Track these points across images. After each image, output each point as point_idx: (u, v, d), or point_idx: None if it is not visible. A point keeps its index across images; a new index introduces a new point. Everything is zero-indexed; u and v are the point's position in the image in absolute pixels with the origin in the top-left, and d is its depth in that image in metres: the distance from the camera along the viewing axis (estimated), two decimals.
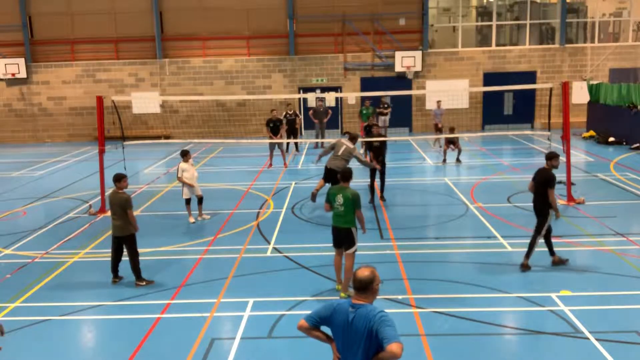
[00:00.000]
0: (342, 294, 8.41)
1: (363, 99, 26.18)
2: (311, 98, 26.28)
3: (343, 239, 8.45)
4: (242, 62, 27.13)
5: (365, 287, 4.39)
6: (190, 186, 12.63)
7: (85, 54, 27.44)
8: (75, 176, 18.59)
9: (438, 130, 21.83)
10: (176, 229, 12.41)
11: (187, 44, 27.17)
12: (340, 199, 8.36)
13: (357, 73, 27.07)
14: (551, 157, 9.76)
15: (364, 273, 4.41)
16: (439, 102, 22.52)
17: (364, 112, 21.94)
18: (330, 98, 26.01)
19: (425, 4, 26.66)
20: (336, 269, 8.72)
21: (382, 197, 14.06)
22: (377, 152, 13.98)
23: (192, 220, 12.79)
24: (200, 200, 12.89)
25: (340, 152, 12.84)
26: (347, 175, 8.58)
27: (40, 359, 7.11)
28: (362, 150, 20.98)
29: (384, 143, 14.16)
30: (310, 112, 23.05)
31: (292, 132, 20.69)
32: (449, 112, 23.15)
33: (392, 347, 4.08)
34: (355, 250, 8.51)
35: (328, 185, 12.68)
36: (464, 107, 26.48)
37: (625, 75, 25.95)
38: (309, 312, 4.69)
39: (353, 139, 13.12)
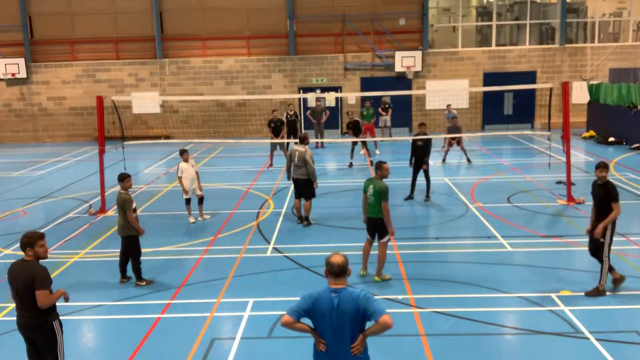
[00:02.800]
0: (377, 278, 9.06)
1: (363, 99, 26.24)
2: (311, 98, 26.28)
3: (376, 228, 9.03)
4: (242, 62, 27.14)
5: (344, 272, 4.65)
6: (184, 191, 12.62)
7: (85, 54, 27.44)
8: (75, 176, 18.60)
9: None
10: (176, 229, 12.41)
11: (187, 44, 27.17)
12: (371, 189, 8.97)
13: (357, 73, 27.07)
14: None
15: (340, 259, 4.65)
16: (448, 105, 21.84)
17: (365, 113, 21.88)
18: (330, 98, 26.01)
19: (425, 4, 26.65)
20: (364, 256, 9.27)
21: (427, 197, 14.25)
22: (421, 152, 14.03)
23: (192, 220, 12.80)
24: (200, 200, 12.89)
25: (296, 160, 12.13)
26: (378, 165, 9.12)
27: None
28: (363, 151, 21.12)
29: (427, 143, 14.09)
30: (308, 112, 23.01)
31: (293, 133, 20.69)
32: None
33: (385, 318, 4.46)
34: (388, 240, 9.08)
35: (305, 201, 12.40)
36: (464, 107, 26.48)
37: (625, 75, 25.92)
38: None
39: (302, 141, 12.45)
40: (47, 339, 5.67)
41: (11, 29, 27.28)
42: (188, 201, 12.82)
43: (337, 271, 4.63)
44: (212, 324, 7.84)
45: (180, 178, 12.61)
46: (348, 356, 4.63)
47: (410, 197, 14.33)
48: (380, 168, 9.01)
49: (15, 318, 5.80)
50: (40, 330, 5.63)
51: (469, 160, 18.73)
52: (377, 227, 9.00)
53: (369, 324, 4.67)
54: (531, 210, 12.98)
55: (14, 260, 5.85)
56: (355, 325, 4.59)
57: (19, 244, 5.65)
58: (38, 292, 5.46)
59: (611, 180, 8.53)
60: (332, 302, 4.58)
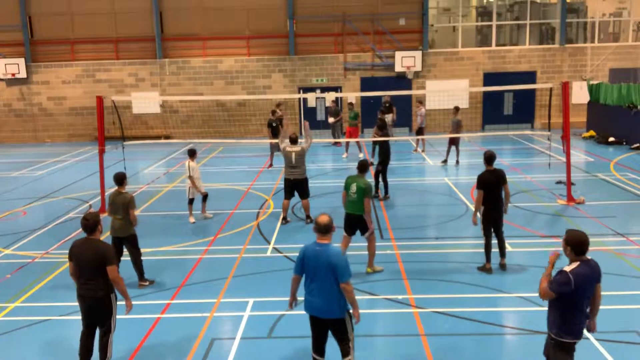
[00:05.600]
0: (369, 270, 9.36)
1: (363, 99, 26.24)
2: (311, 98, 26.29)
3: (356, 225, 9.20)
4: (242, 62, 27.14)
5: (327, 230, 5.79)
6: (197, 190, 12.60)
7: (85, 54, 27.44)
8: (75, 176, 18.60)
9: (417, 132, 20.92)
10: (176, 229, 12.41)
11: (187, 44, 27.17)
12: (354, 187, 9.09)
13: (357, 73, 27.07)
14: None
15: (325, 219, 5.81)
16: (419, 102, 21.64)
17: (349, 115, 21.49)
18: (330, 98, 26.00)
19: (425, 4, 26.65)
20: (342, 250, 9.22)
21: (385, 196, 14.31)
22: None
23: (192, 220, 12.79)
24: (204, 197, 12.88)
25: (294, 161, 12.09)
26: (363, 166, 9.33)
27: (40, 359, 7.11)
28: (360, 154, 21.11)
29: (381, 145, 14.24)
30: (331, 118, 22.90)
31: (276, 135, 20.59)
32: (448, 113, 23.07)
33: (343, 285, 5.68)
34: (372, 232, 9.23)
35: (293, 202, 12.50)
36: (464, 107, 26.45)
37: (625, 75, 25.93)
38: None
39: (294, 141, 12.35)
40: (104, 310, 6.34)
41: (11, 29, 27.28)
42: (192, 201, 12.80)
43: (322, 229, 5.78)
44: (212, 324, 7.84)
45: (192, 178, 12.53)
46: (322, 296, 5.74)
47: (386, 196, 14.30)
48: (365, 167, 9.36)
49: (76, 291, 6.44)
50: (101, 301, 6.29)
51: (445, 161, 18.78)
52: (359, 223, 9.18)
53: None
54: (531, 210, 12.98)
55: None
56: (328, 274, 5.66)
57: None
58: (110, 268, 6.19)
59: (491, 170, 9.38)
60: (315, 253, 5.74)
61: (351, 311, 5.90)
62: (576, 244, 5.29)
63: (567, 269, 5.17)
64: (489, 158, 9.38)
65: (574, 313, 5.19)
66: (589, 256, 5.37)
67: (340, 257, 5.72)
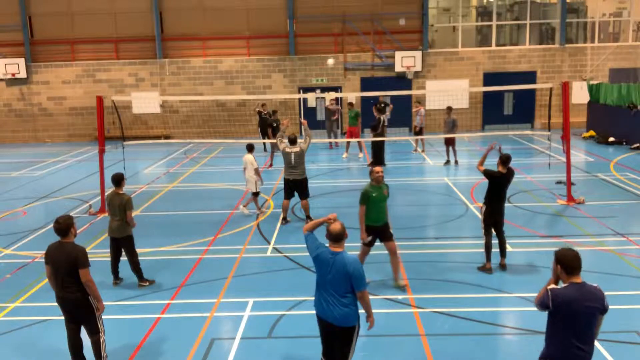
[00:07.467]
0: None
1: (363, 99, 26.23)
2: (311, 98, 26.28)
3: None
4: (242, 62, 27.14)
5: (340, 238, 5.67)
6: (260, 179, 13.02)
7: (85, 54, 27.44)
8: (75, 176, 18.59)
9: (416, 133, 21.01)
10: (176, 229, 12.40)
11: (187, 44, 27.17)
12: None
13: (357, 73, 27.07)
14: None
15: (337, 227, 5.67)
16: (418, 102, 21.69)
17: (349, 115, 21.27)
18: (329, 98, 26.04)
19: (425, 4, 26.65)
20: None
21: None
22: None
23: (264, 210, 13.15)
24: (257, 193, 13.23)
25: (293, 161, 12.11)
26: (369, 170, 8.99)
27: (39, 359, 7.11)
28: (360, 155, 21.11)
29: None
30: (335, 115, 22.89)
31: (264, 132, 20.65)
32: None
33: (359, 294, 5.62)
34: (364, 244, 8.80)
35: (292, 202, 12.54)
36: (464, 107, 26.48)
37: (625, 75, 25.95)
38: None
39: (293, 141, 12.29)
40: (85, 311, 6.31)
41: (11, 29, 27.28)
42: (257, 194, 13.18)
43: (335, 237, 5.66)
44: (212, 324, 7.84)
45: (257, 170, 12.93)
46: (337, 304, 5.64)
47: None
48: (369, 173, 8.84)
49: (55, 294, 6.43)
50: (80, 303, 6.26)
51: (448, 161, 18.70)
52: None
53: None
54: (531, 210, 12.98)
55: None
56: (343, 282, 5.58)
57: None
58: (82, 271, 6.16)
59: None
60: (329, 262, 5.63)
61: (361, 311, 5.77)
62: (564, 261, 4.75)
63: (551, 287, 4.78)
64: (506, 160, 9.34)
65: (556, 336, 4.77)
66: (593, 283, 4.85)
67: (356, 265, 5.58)
